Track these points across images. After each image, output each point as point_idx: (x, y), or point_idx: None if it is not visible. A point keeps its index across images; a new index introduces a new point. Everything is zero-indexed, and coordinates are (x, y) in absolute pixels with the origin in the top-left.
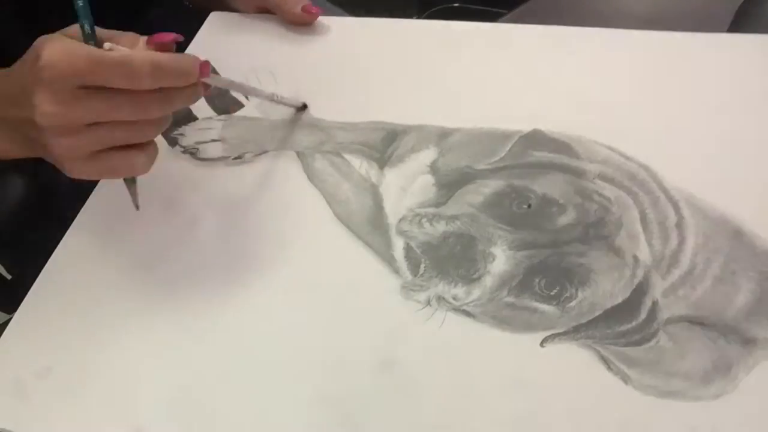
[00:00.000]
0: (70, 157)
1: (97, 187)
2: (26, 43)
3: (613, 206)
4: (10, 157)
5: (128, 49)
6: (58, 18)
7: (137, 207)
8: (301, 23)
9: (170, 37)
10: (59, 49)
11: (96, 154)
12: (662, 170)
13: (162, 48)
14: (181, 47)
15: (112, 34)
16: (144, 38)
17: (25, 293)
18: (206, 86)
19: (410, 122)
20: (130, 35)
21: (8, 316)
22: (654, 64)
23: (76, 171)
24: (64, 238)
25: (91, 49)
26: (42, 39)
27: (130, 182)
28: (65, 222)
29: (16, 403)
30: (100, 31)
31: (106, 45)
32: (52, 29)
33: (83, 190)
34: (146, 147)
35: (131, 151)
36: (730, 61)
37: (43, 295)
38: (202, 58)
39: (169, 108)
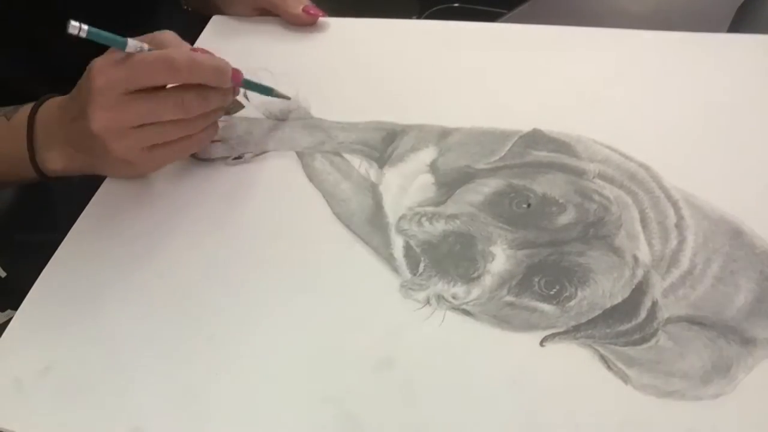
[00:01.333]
0: (128, 157)
1: (99, 189)
2: (37, 85)
3: (613, 206)
4: (68, 174)
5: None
6: (71, 60)
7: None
8: (302, 24)
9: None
10: (103, 61)
11: (151, 150)
12: (662, 170)
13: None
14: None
15: (151, 36)
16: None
17: (20, 291)
18: (236, 89)
19: (410, 122)
20: (166, 33)
21: (7, 316)
22: (654, 64)
23: (140, 168)
24: (65, 239)
25: (132, 54)
26: (93, 60)
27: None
28: (58, 222)
29: (16, 402)
30: (137, 39)
31: (144, 47)
32: (64, 72)
33: (75, 191)
34: (195, 137)
35: (183, 141)
36: (730, 61)
37: (43, 295)
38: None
39: (207, 105)
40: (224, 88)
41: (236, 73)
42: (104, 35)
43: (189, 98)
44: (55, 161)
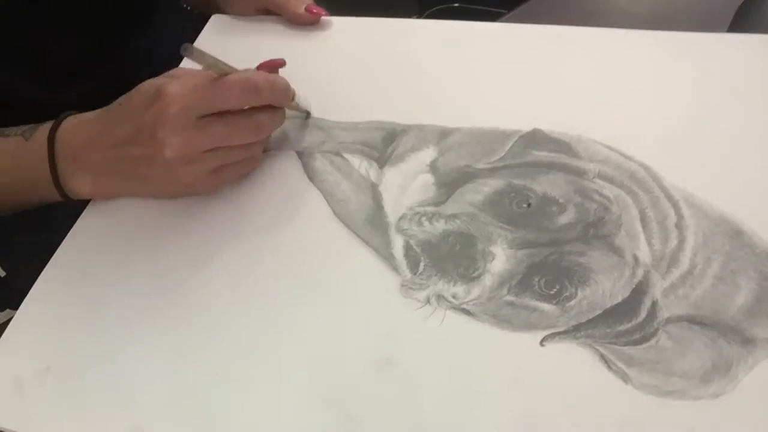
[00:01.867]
0: (193, 181)
1: None
2: (35, 88)
3: (613, 205)
4: (89, 198)
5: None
6: (69, 63)
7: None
8: (305, 23)
9: (280, 61)
10: (183, 82)
11: (216, 172)
12: (662, 170)
13: (272, 69)
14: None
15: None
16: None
17: (19, 291)
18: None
19: (410, 122)
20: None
21: (7, 316)
22: (654, 64)
23: (199, 190)
24: (65, 239)
25: (212, 75)
26: (154, 80)
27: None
28: (57, 222)
29: (16, 402)
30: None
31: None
32: (66, 86)
33: None
34: (256, 155)
35: (246, 162)
36: (730, 61)
37: (43, 295)
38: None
39: (278, 124)
40: (286, 105)
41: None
42: (207, 56)
43: (263, 119)
44: (83, 186)
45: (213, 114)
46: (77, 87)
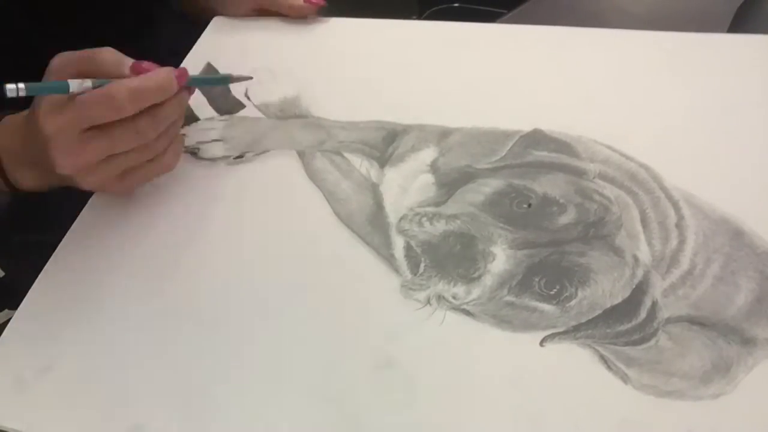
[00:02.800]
0: (101, 186)
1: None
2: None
3: (614, 206)
4: (38, 191)
5: (110, 80)
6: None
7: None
8: (303, 14)
9: (151, 68)
10: (47, 107)
11: (123, 177)
12: (662, 170)
13: (140, 72)
14: (182, 53)
15: (89, 53)
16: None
17: (17, 291)
18: (190, 89)
19: (411, 121)
20: (105, 51)
21: (6, 316)
22: (654, 64)
23: (117, 193)
24: (64, 238)
25: (72, 99)
26: (35, 100)
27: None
28: (55, 222)
29: (16, 401)
30: (71, 56)
31: (88, 83)
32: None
33: (73, 191)
34: (165, 153)
35: (151, 163)
36: (730, 61)
37: (43, 294)
38: (204, 61)
39: (163, 124)
40: (174, 97)
41: (181, 75)
42: (43, 86)
43: (142, 125)
44: (27, 179)
45: (96, 126)
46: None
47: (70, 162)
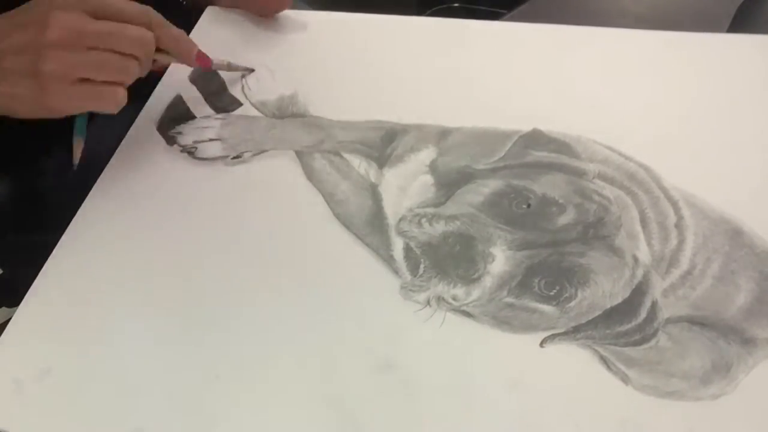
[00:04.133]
0: (61, 76)
1: (95, 186)
2: None
3: (613, 206)
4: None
5: None
6: None
7: (74, 166)
8: (274, 10)
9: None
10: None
11: (83, 81)
12: (662, 170)
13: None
14: None
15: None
16: None
17: (14, 289)
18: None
19: (410, 121)
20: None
21: (5, 314)
22: (654, 64)
23: (61, 93)
24: (62, 238)
25: None
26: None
27: (80, 137)
28: (52, 222)
29: (15, 403)
30: None
31: None
32: None
33: (68, 192)
34: (122, 86)
35: (112, 85)
36: (730, 61)
37: (42, 295)
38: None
39: (154, 44)
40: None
41: (201, 56)
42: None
43: (149, 37)
44: None
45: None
46: None
47: (66, 25)
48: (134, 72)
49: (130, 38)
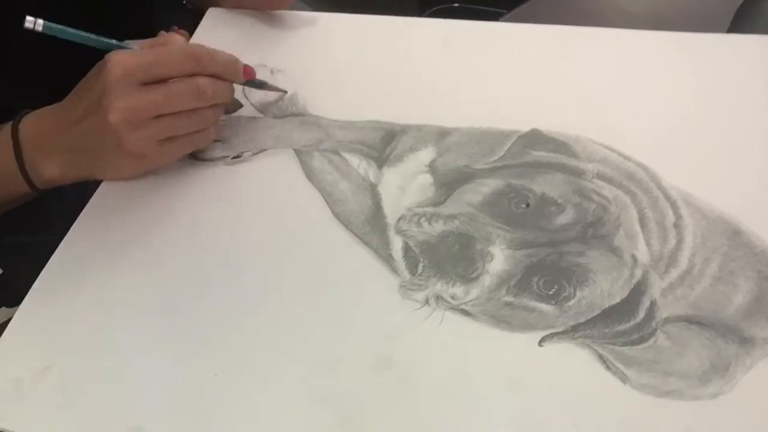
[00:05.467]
0: (142, 150)
1: (98, 188)
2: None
3: (612, 206)
4: (63, 182)
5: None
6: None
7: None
8: (278, 7)
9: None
10: (122, 54)
11: (164, 143)
12: (660, 170)
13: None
14: None
15: (158, 38)
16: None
17: (14, 289)
18: (250, 72)
19: (409, 121)
20: (174, 34)
21: (5, 314)
22: (654, 64)
23: (151, 161)
24: (64, 239)
25: (157, 42)
26: (108, 54)
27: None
28: (53, 223)
29: (15, 402)
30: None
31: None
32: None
33: (71, 192)
34: (206, 129)
35: (193, 135)
36: (730, 61)
37: (43, 294)
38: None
39: (219, 93)
40: (233, 81)
41: (248, 69)
42: (64, 29)
43: (203, 84)
44: (51, 169)
45: (157, 82)
46: (69, 85)
47: (125, 107)
48: (208, 115)
49: (185, 95)
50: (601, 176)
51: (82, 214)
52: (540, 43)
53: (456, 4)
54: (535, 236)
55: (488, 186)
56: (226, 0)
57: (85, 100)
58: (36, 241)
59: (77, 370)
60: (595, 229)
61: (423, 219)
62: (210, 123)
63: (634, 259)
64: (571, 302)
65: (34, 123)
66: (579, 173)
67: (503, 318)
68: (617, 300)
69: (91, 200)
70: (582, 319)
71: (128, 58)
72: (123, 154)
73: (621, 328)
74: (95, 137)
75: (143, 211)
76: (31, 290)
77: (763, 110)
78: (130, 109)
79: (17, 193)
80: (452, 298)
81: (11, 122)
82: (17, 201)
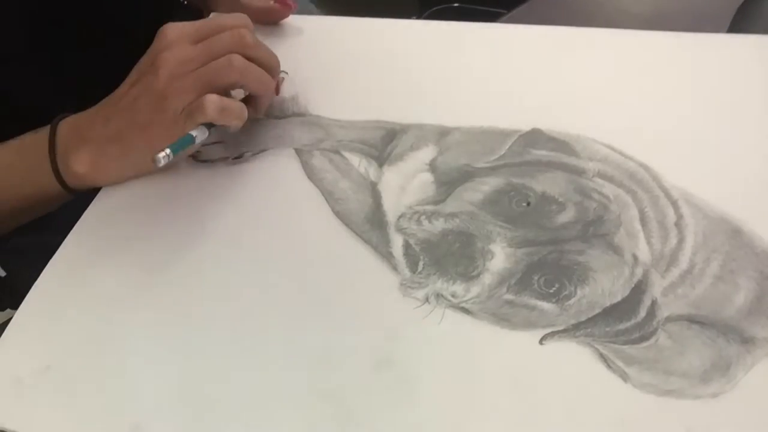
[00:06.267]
0: (179, 103)
1: (101, 190)
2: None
3: (613, 204)
4: (95, 176)
5: None
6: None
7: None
8: (275, 18)
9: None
10: (176, 23)
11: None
12: (661, 169)
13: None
14: None
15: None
16: None
17: (18, 291)
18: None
19: (409, 120)
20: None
21: (7, 316)
22: (654, 64)
23: (181, 129)
24: (66, 239)
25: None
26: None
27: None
28: (55, 223)
29: (15, 402)
30: None
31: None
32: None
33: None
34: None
35: (234, 101)
36: (730, 61)
37: (43, 294)
38: None
39: (253, 37)
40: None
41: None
42: (180, 142)
43: (245, 33)
44: (83, 160)
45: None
46: (70, 87)
47: (175, 59)
48: (253, 70)
49: (228, 38)
50: (602, 175)
51: (83, 215)
52: (540, 42)
53: (456, 4)
54: (535, 234)
55: (489, 184)
56: (223, 6)
57: (135, 73)
58: (37, 242)
59: (77, 369)
60: (595, 228)
61: (423, 217)
62: (248, 76)
63: (635, 258)
64: (572, 301)
65: (72, 120)
66: (580, 172)
67: (504, 316)
68: (618, 299)
69: (93, 202)
70: (583, 318)
71: (182, 24)
72: (160, 121)
73: (622, 326)
74: (142, 99)
75: (144, 213)
76: (31, 290)
77: (763, 110)
78: (179, 61)
79: (49, 193)
80: (452, 296)
81: (51, 123)
82: (50, 203)
